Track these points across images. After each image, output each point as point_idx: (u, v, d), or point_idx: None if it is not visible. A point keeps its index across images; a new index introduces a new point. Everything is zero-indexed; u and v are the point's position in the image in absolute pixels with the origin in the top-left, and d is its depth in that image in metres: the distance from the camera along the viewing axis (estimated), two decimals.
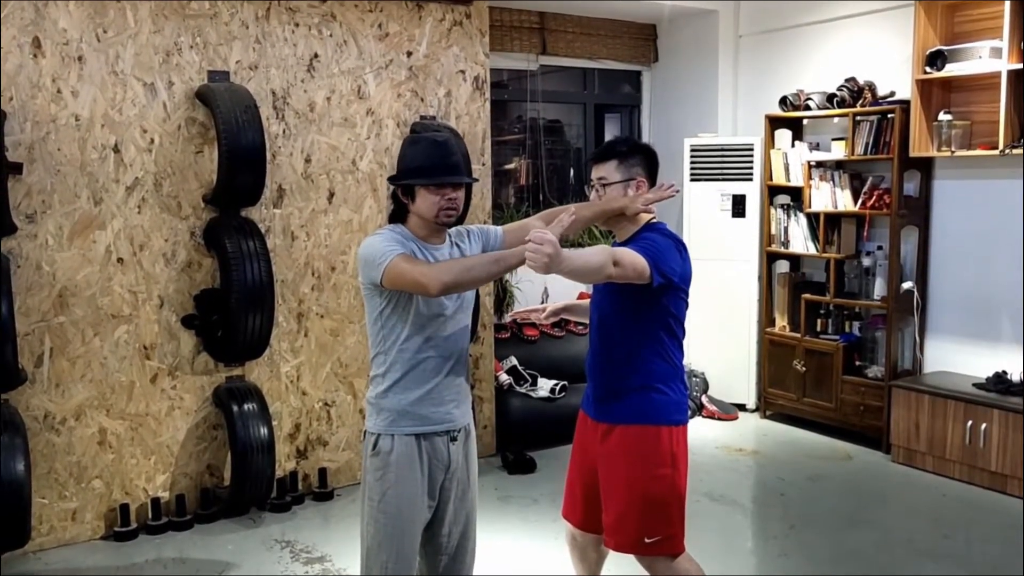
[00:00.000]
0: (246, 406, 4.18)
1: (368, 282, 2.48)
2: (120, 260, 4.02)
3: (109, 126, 3.94)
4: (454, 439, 2.62)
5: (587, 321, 3.00)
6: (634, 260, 2.45)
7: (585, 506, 2.92)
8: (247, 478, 4.15)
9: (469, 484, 2.71)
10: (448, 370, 2.57)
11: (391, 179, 2.59)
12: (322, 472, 4.60)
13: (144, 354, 4.11)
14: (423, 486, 2.56)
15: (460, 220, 4.36)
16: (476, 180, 2.60)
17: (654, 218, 2.82)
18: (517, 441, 5.17)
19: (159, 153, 4.07)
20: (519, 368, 5.40)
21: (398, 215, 2.59)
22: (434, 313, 2.52)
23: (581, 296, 6.11)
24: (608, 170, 2.73)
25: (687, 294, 2.77)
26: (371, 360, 2.59)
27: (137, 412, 4.11)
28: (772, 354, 5.81)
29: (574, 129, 6.80)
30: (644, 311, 2.69)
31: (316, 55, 4.46)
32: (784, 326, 5.78)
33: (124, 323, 4.05)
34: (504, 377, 5.33)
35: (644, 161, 2.77)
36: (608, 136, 6.87)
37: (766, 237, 5.82)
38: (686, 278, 2.71)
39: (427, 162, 2.49)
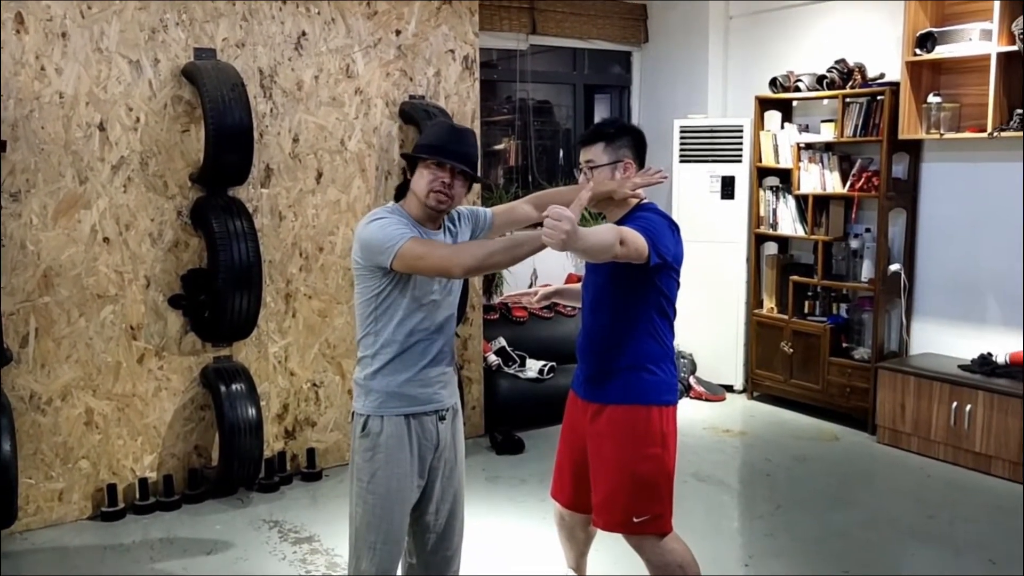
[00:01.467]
0: (234, 386, 4.17)
1: (371, 264, 2.45)
2: (106, 240, 3.98)
3: (94, 104, 3.89)
4: (442, 418, 2.63)
5: (579, 305, 3.01)
6: (636, 239, 2.44)
7: (574, 486, 2.93)
8: (235, 458, 4.14)
9: (456, 462, 2.71)
10: (435, 353, 2.57)
11: (404, 154, 2.62)
12: (310, 452, 4.59)
13: (131, 334, 4.08)
14: (412, 466, 2.56)
15: None
16: (478, 179, 2.59)
17: (644, 199, 2.82)
18: (506, 422, 5.18)
19: (145, 132, 4.03)
20: (508, 349, 5.40)
21: (401, 191, 2.60)
22: (426, 298, 2.53)
23: (570, 278, 6.12)
24: (595, 152, 2.72)
25: (679, 275, 2.77)
26: (358, 340, 2.58)
27: (124, 392, 4.09)
28: (760, 336, 5.83)
29: (564, 110, 6.77)
30: (637, 291, 2.69)
31: (304, 33, 4.41)
32: (772, 308, 5.79)
33: (110, 303, 4.02)
34: (493, 358, 5.33)
35: (632, 143, 2.76)
36: (598, 117, 6.85)
37: (755, 219, 5.83)
38: (679, 258, 2.72)
39: (437, 141, 2.51)
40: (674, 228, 2.71)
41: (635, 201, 2.77)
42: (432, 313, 2.55)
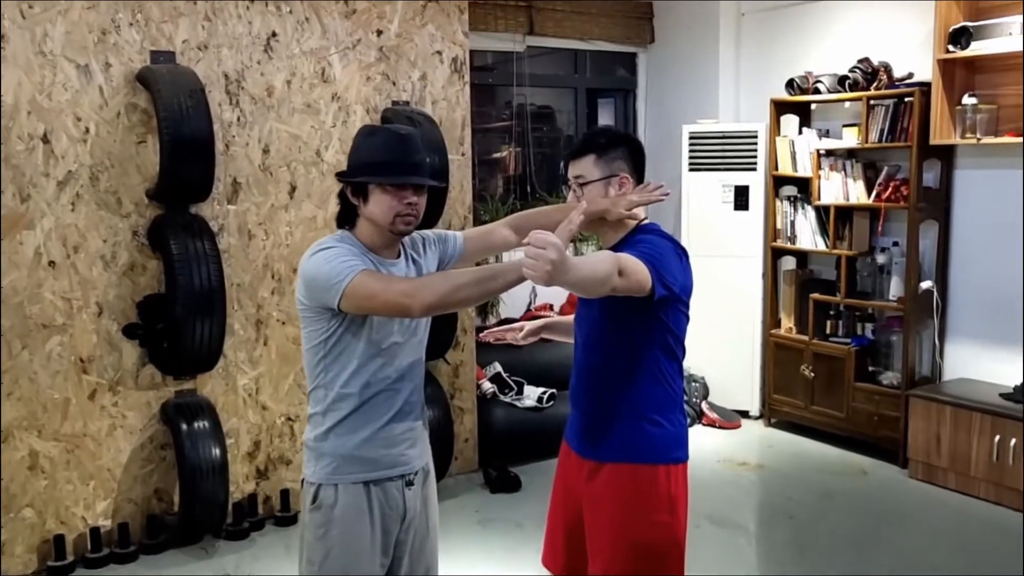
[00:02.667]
0: (196, 424, 3.77)
1: (317, 305, 2.06)
2: (52, 263, 3.59)
3: (37, 113, 3.51)
4: (410, 483, 2.22)
5: (571, 340, 2.59)
6: (636, 268, 2.03)
7: (568, 552, 2.50)
8: (197, 504, 3.74)
9: (428, 532, 2.31)
10: (400, 406, 2.18)
11: (340, 175, 2.17)
12: (284, 494, 4.18)
13: (81, 368, 3.68)
14: (374, 542, 2.15)
15: (431, 224, 3.93)
16: (444, 185, 2.18)
17: (645, 219, 2.41)
18: (501, 456, 4.76)
19: (95, 143, 3.63)
20: (504, 375, 4.98)
21: (345, 218, 2.17)
22: (386, 342, 2.13)
23: (570, 297, 5.70)
24: (586, 167, 2.30)
25: (688, 307, 2.36)
26: (308, 395, 2.18)
27: (73, 432, 3.69)
28: (777, 358, 5.40)
29: (565, 115, 6.36)
30: (639, 328, 2.28)
31: (274, 33, 4.01)
32: (790, 328, 5.36)
33: (57, 334, 3.62)
34: (487, 385, 4.92)
35: (627, 154, 2.34)
36: (602, 122, 6.43)
37: (771, 231, 5.40)
38: (687, 289, 2.30)
39: (386, 157, 2.08)
40: (681, 253, 2.30)
41: (634, 222, 2.36)
42: (394, 358, 2.16)
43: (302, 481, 2.19)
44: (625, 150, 2.34)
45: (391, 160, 2.07)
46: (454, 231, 2.41)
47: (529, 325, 2.70)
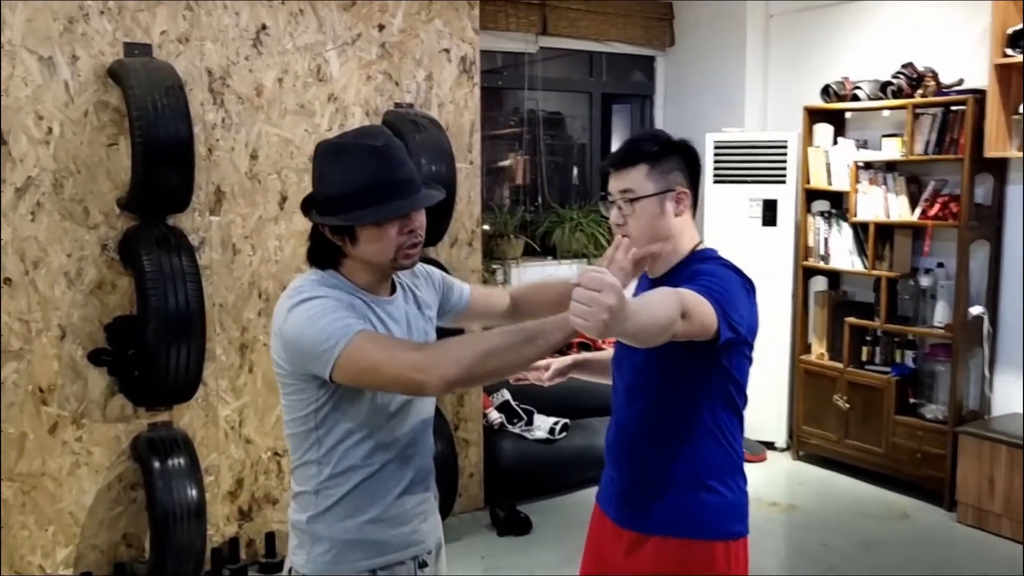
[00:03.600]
0: (170, 461, 3.34)
1: (302, 372, 1.65)
2: (8, 281, 3.18)
3: None
4: (424, 564, 1.82)
5: (607, 381, 2.19)
6: (701, 309, 1.64)
7: None
8: (170, 552, 3.30)
9: None
10: (413, 475, 1.78)
11: (308, 211, 1.71)
12: (270, 537, 3.76)
13: (40, 398, 3.26)
14: None
15: (434, 241, 3.49)
16: (443, 195, 1.76)
17: (700, 242, 2.01)
18: (510, 492, 4.34)
19: (60, 146, 3.22)
20: (512, 404, 4.57)
21: (321, 258, 1.73)
22: (395, 402, 1.73)
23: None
24: (637, 179, 1.90)
25: (752, 350, 1.96)
26: (293, 470, 1.78)
27: (30, 472, 3.27)
28: (808, 386, 4.99)
29: (578, 122, 5.96)
30: (695, 376, 1.88)
31: (264, 27, 3.61)
32: (822, 353, 4.95)
33: (13, 360, 3.20)
34: (494, 415, 4.50)
35: (683, 164, 1.95)
36: (617, 131, 6.04)
37: (802, 250, 4.99)
38: (754, 330, 1.90)
39: (367, 183, 1.63)
40: (749, 288, 1.90)
41: (692, 244, 1.97)
42: (405, 419, 1.76)
43: (288, 571, 1.78)
44: (680, 159, 1.95)
45: (376, 184, 1.63)
46: (462, 282, 2.01)
47: (556, 363, 2.29)
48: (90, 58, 3.25)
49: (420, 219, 1.70)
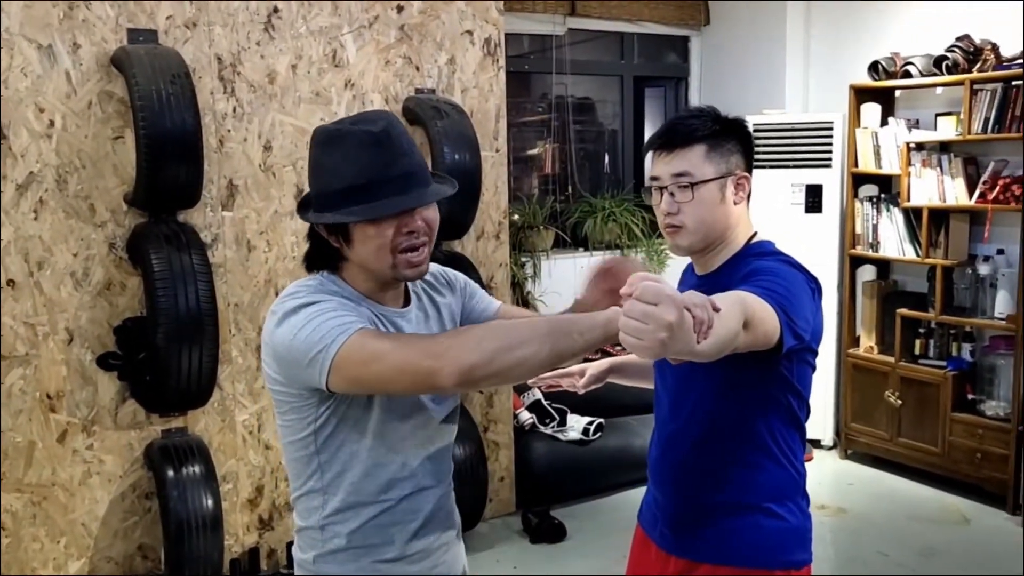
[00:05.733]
0: (185, 469, 3.18)
1: (296, 385, 1.43)
2: (11, 282, 3.02)
3: None
4: None
5: (647, 385, 1.98)
6: (764, 316, 1.41)
7: None
8: (186, 563, 3.15)
9: None
10: (434, 505, 1.57)
11: (304, 210, 1.50)
12: (291, 547, 3.58)
13: (48, 405, 3.11)
14: None
15: (459, 235, 3.28)
16: (453, 190, 1.53)
17: (755, 233, 1.78)
18: (543, 497, 4.13)
19: (62, 140, 3.06)
20: (544, 403, 4.36)
21: (319, 260, 1.52)
22: (414, 419, 1.50)
23: None
24: (695, 161, 1.68)
25: (816, 356, 1.73)
26: (294, 499, 1.57)
27: (40, 482, 3.12)
28: (856, 381, 4.72)
29: (609, 107, 5.71)
30: (752, 387, 1.67)
31: (276, 9, 3.42)
32: (871, 347, 4.67)
33: (18, 366, 3.05)
34: (525, 415, 4.29)
35: (741, 145, 1.73)
36: (650, 116, 5.77)
37: (849, 237, 4.71)
38: (818, 335, 1.68)
39: (360, 176, 1.41)
40: (815, 288, 1.68)
41: (747, 234, 1.75)
42: (426, 443, 1.54)
43: None
44: (738, 141, 1.72)
45: (370, 179, 1.40)
46: (492, 297, 1.75)
47: (592, 368, 2.07)
48: (92, 46, 3.08)
49: (426, 217, 1.46)
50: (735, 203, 1.71)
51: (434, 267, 1.64)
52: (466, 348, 1.32)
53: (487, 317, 1.67)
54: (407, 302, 1.57)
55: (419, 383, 1.36)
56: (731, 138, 1.70)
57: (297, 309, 1.41)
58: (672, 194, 1.68)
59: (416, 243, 1.45)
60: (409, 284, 1.57)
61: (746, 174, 1.72)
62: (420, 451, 1.53)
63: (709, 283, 1.71)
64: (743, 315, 1.31)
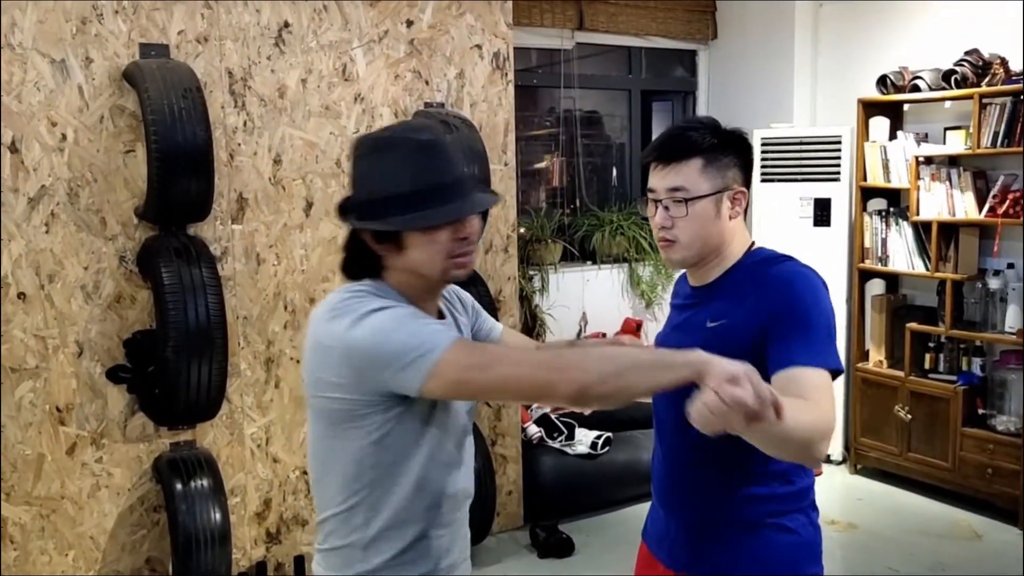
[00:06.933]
0: (193, 483, 3.18)
1: (368, 390, 1.41)
2: (22, 295, 3.04)
3: (4, 118, 2.96)
4: None
5: (647, 399, 1.96)
6: (829, 394, 1.51)
7: None
8: None
9: None
10: (462, 521, 1.61)
11: (353, 217, 1.49)
12: (299, 561, 3.59)
13: (57, 418, 3.12)
14: None
15: None
16: (499, 199, 1.53)
17: (753, 244, 1.78)
18: (550, 511, 4.12)
19: (74, 153, 3.08)
20: (552, 417, 4.35)
21: (358, 268, 1.52)
22: (456, 435, 1.53)
23: (627, 325, 5.06)
24: (690, 175, 1.66)
25: None
26: (329, 516, 1.53)
27: (49, 495, 3.12)
28: (865, 395, 4.70)
29: (616, 121, 5.72)
30: None
31: (287, 24, 3.44)
32: (881, 361, 4.65)
33: (29, 378, 3.06)
34: (533, 429, 4.29)
35: (739, 159, 1.72)
36: (658, 130, 5.78)
37: (858, 251, 4.71)
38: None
39: (417, 183, 1.43)
40: (826, 289, 1.68)
41: (745, 243, 1.74)
42: (460, 457, 1.57)
43: None
44: (735, 154, 1.71)
45: (426, 186, 1.42)
46: (494, 321, 1.78)
47: None
48: (104, 60, 3.10)
49: (474, 225, 1.49)
50: (731, 218, 1.69)
51: (452, 288, 1.66)
52: (585, 367, 1.35)
53: (493, 339, 1.71)
54: (441, 317, 1.58)
55: (534, 393, 1.41)
56: (729, 152, 1.68)
57: (375, 311, 1.39)
58: (667, 208, 1.67)
59: (466, 251, 1.48)
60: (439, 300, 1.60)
61: (743, 189, 1.70)
62: (459, 467, 1.54)
63: (705, 295, 1.71)
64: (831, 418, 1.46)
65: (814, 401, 1.45)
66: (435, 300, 1.56)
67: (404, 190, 1.42)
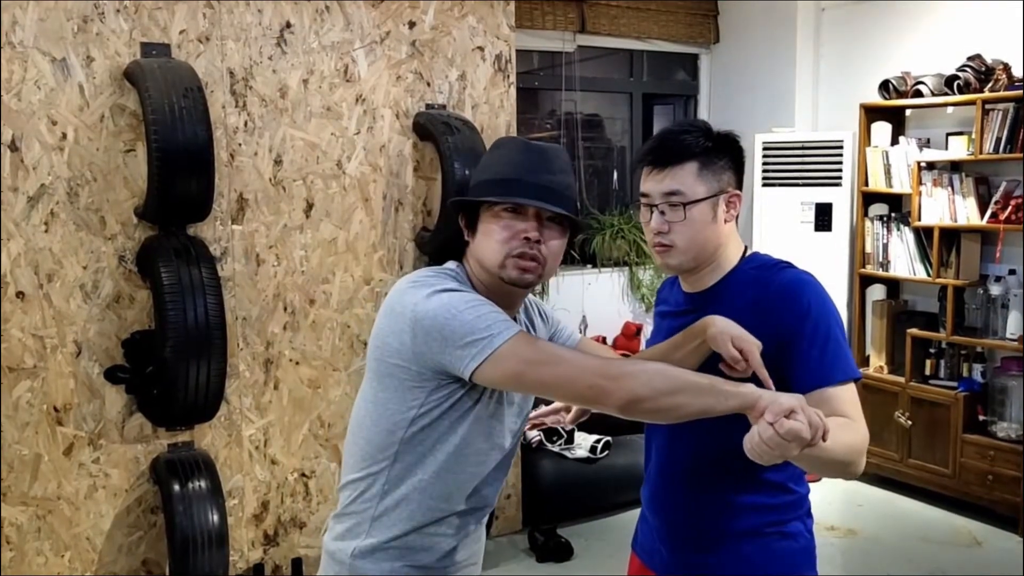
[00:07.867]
0: (191, 484, 3.16)
1: (425, 363, 1.43)
2: (20, 294, 3.02)
3: (3, 116, 2.95)
4: None
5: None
6: (859, 405, 1.60)
7: None
8: None
9: None
10: (475, 527, 1.61)
11: (452, 201, 1.61)
12: (297, 563, 3.57)
13: (55, 418, 3.10)
14: None
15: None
16: (578, 218, 1.55)
17: (747, 250, 1.76)
18: (549, 515, 4.10)
19: (74, 152, 3.06)
20: None
21: (448, 251, 1.61)
22: (491, 441, 1.54)
23: (627, 329, 5.05)
24: (685, 179, 1.64)
25: None
26: (351, 479, 1.55)
27: (45, 495, 3.11)
28: (865, 401, 4.59)
29: (618, 124, 5.72)
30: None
31: (289, 24, 3.43)
32: (881, 367, 4.64)
33: (26, 378, 3.05)
34: (532, 432, 4.27)
35: (733, 162, 1.70)
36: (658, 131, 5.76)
37: (859, 256, 4.70)
38: None
39: (504, 173, 1.50)
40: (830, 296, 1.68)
41: (737, 254, 1.72)
42: (496, 450, 1.57)
43: None
44: (730, 157, 1.70)
45: (510, 177, 1.48)
46: (573, 330, 1.79)
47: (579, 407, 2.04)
48: (105, 59, 3.09)
49: (547, 237, 1.50)
50: (726, 221, 1.68)
51: (532, 299, 1.68)
52: (639, 380, 1.37)
53: (570, 345, 1.71)
54: (513, 317, 1.58)
55: (586, 397, 1.41)
56: (723, 155, 1.67)
57: (451, 290, 1.44)
58: (663, 213, 1.65)
59: (528, 252, 1.48)
60: (522, 306, 1.63)
61: (738, 192, 1.69)
62: (484, 474, 1.54)
63: (701, 301, 1.70)
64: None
65: (851, 418, 1.53)
66: (513, 305, 1.56)
67: (493, 175, 1.51)
